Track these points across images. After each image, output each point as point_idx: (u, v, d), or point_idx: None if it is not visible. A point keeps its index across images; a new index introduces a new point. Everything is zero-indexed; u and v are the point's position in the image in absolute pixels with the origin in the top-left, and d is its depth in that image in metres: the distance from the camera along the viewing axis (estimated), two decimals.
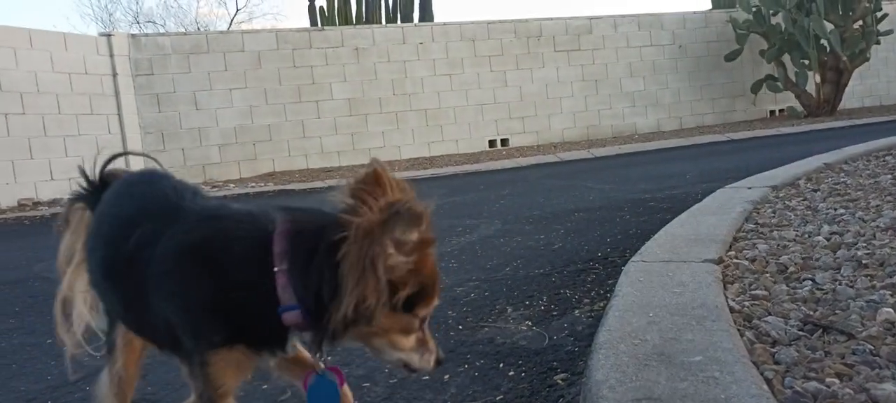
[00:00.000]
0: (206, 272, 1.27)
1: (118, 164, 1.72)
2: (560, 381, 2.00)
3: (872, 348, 1.69)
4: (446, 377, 2.11)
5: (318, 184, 10.13)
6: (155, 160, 1.75)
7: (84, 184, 1.65)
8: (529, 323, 2.57)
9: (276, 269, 1.24)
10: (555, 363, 2.14)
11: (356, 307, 1.19)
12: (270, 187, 10.12)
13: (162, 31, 27.29)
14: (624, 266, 2.73)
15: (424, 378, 2.13)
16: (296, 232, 1.26)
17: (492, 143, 13.64)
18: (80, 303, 1.66)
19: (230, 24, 30.98)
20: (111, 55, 10.99)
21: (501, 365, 2.16)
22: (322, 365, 1.39)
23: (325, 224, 1.23)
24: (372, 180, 1.27)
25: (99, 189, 1.62)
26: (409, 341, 1.31)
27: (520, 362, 2.18)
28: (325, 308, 1.22)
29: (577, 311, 2.66)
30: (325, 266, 1.20)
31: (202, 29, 29.07)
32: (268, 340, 1.33)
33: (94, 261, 1.45)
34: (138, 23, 30.05)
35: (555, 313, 2.67)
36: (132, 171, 1.64)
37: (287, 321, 1.27)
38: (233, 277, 1.27)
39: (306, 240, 1.24)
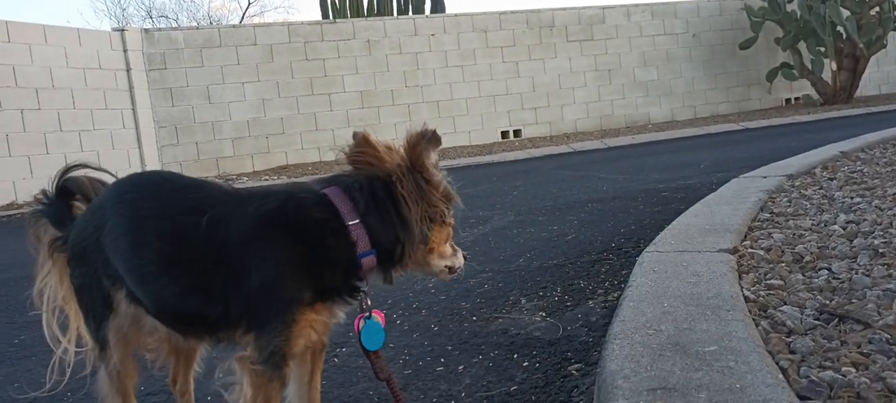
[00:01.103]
0: (291, 234, 1.43)
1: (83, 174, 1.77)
2: (574, 372, 2.00)
3: (889, 337, 1.68)
4: (461, 368, 2.12)
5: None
6: (109, 172, 1.80)
7: (43, 199, 1.73)
8: (543, 314, 2.57)
9: (350, 223, 1.43)
10: (569, 353, 2.14)
11: (421, 229, 1.48)
12: (284, 180, 10.16)
13: (174, 25, 27.42)
14: (638, 256, 2.72)
15: (438, 369, 2.14)
16: (350, 191, 1.46)
17: (504, 134, 13.62)
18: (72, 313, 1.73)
19: (242, 18, 31.07)
20: (124, 50, 11.05)
21: (516, 356, 2.17)
22: (369, 309, 1.56)
23: (367, 179, 1.49)
24: (363, 142, 1.55)
25: (58, 202, 1.71)
26: (448, 248, 1.59)
27: (534, 352, 2.18)
28: (394, 244, 1.47)
29: (590, 302, 2.66)
30: (392, 208, 1.46)
31: (214, 23, 29.17)
32: (344, 290, 1.49)
33: (143, 258, 1.49)
34: (151, 17, 30.21)
35: (569, 304, 2.67)
36: (134, 174, 1.66)
37: (366, 265, 1.47)
38: (315, 235, 1.44)
39: (364, 195, 1.46)
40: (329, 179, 1.52)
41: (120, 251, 1.51)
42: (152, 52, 11.47)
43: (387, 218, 1.46)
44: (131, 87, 11.09)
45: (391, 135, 10.08)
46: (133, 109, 11.10)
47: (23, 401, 2.22)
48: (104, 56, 10.74)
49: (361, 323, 1.56)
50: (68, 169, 1.75)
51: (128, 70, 11.07)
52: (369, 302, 1.54)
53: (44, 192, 1.74)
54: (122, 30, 11.34)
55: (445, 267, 1.59)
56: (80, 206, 1.73)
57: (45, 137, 9.75)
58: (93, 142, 10.33)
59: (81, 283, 1.61)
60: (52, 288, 1.70)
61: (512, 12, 13.60)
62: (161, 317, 1.54)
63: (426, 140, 1.51)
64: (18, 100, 9.48)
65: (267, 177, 10.67)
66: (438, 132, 1.56)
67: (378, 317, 1.57)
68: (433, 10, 15.04)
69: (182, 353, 1.76)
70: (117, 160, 10.57)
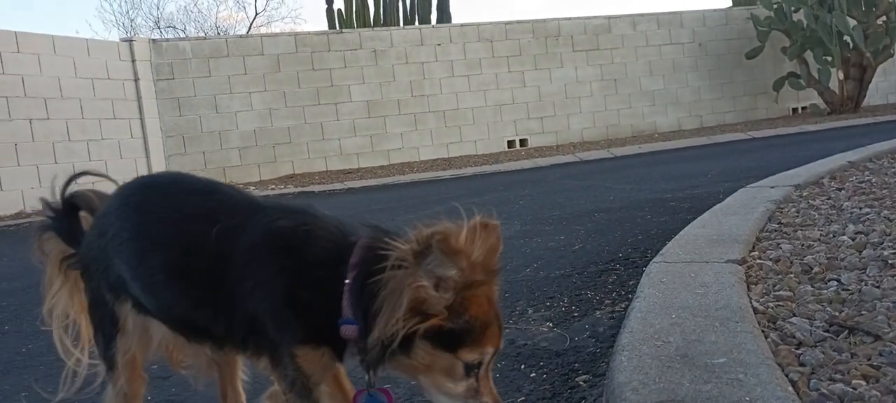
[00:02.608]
0: (284, 263, 1.32)
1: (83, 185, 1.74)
2: (582, 383, 1.99)
3: None
4: None
5: (338, 185, 10.17)
6: (112, 179, 1.76)
7: (49, 213, 1.68)
8: (550, 325, 2.56)
9: (346, 281, 1.28)
10: (576, 364, 2.13)
11: (385, 331, 1.22)
12: (290, 189, 10.18)
13: (182, 35, 27.58)
14: (645, 267, 2.71)
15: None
16: (368, 249, 1.28)
17: (511, 144, 13.62)
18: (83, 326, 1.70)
19: (249, 28, 31.21)
20: (133, 60, 11.12)
21: (523, 367, 2.16)
22: (372, 385, 1.40)
23: (392, 248, 1.25)
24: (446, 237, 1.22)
25: (66, 217, 1.67)
26: (457, 386, 1.28)
27: (541, 363, 2.17)
28: (365, 328, 1.27)
29: (598, 312, 2.65)
30: (374, 287, 1.24)
31: (222, 33, 29.30)
32: (333, 345, 1.34)
33: (151, 266, 1.44)
34: (159, 28, 30.36)
35: (576, 314, 2.66)
36: (141, 177, 1.63)
37: (344, 333, 1.30)
38: (305, 275, 1.32)
39: (372, 259, 1.26)
40: (376, 231, 1.33)
41: (125, 257, 1.47)
42: (160, 62, 11.54)
43: (364, 295, 1.26)
44: (139, 97, 11.15)
45: (397, 144, 10.12)
46: (141, 119, 11.16)
47: None
48: (112, 66, 10.81)
49: (361, 397, 1.40)
50: (72, 178, 1.72)
51: (136, 80, 11.13)
52: (373, 377, 1.35)
53: (47, 203, 1.69)
54: (131, 40, 11.41)
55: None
56: (88, 220, 1.69)
57: (53, 147, 9.80)
58: (101, 151, 10.38)
59: (91, 299, 1.58)
60: (63, 306, 1.66)
61: (518, 22, 13.63)
62: (169, 324, 1.51)
63: (431, 248, 1.19)
64: (27, 110, 9.54)
65: (273, 187, 10.70)
66: (472, 252, 1.23)
67: (383, 396, 1.39)
68: (439, 20, 15.08)
69: (223, 363, 1.69)
70: (125, 169, 10.62)
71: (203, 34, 28.65)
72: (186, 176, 1.57)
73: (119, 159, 10.66)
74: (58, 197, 1.69)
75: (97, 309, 1.56)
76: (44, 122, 9.72)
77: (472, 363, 1.27)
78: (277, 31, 28.72)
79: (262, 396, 1.44)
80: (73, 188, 1.72)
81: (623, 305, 2.66)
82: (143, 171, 11.05)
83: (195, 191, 1.48)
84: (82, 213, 1.70)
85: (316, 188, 10.14)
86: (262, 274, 1.32)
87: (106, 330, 1.55)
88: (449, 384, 1.28)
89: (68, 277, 1.65)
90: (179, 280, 1.43)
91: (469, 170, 10.53)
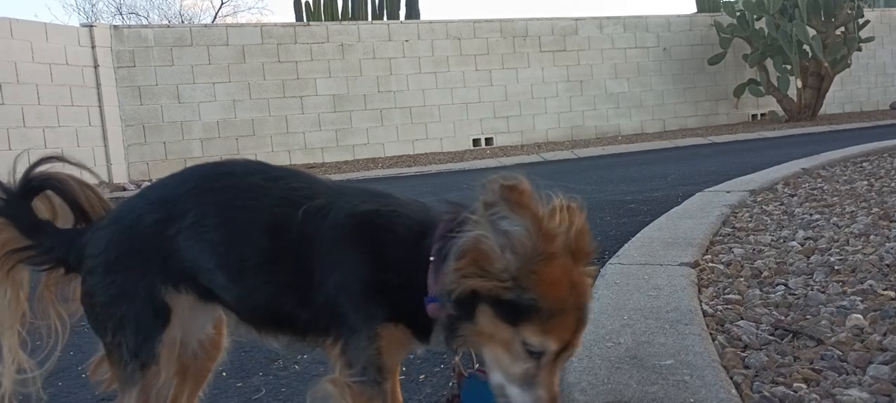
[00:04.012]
0: (367, 245, 1.29)
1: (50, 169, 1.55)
2: None
3: (841, 353, 1.72)
4: (422, 377, 2.12)
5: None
6: (89, 168, 1.63)
7: (3, 195, 1.48)
8: None
9: (431, 258, 1.25)
10: None
11: (444, 283, 1.19)
12: None
13: (145, 22, 27.05)
14: (602, 268, 2.75)
15: (399, 378, 2.13)
16: (451, 222, 1.25)
17: (476, 142, 13.66)
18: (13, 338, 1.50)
19: (214, 18, 30.74)
20: (93, 46, 10.87)
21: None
22: (457, 368, 1.39)
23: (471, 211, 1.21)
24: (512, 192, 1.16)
25: (23, 202, 1.48)
26: (514, 366, 1.19)
27: None
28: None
29: None
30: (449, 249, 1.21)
31: (186, 21, 28.82)
32: (418, 326, 1.31)
33: (242, 252, 1.38)
34: (121, 14, 29.70)
35: None
36: (210, 164, 1.52)
37: (430, 311, 1.26)
38: (390, 254, 1.29)
39: (454, 229, 1.22)
40: (457, 205, 1.30)
41: (209, 244, 1.37)
42: (121, 49, 11.30)
43: (442, 267, 1.22)
44: (98, 85, 10.90)
45: (362, 139, 10.04)
46: (100, 107, 10.91)
47: None
48: (71, 52, 10.55)
49: (464, 380, 1.38)
50: (43, 160, 1.52)
51: (95, 67, 10.88)
52: (456, 354, 1.32)
53: (0, 185, 1.48)
54: (91, 26, 11.15)
55: (498, 382, 1.23)
56: (53, 208, 1.52)
57: (7, 133, 9.53)
58: (57, 138, 10.13)
59: (119, 292, 1.39)
60: (5, 306, 1.46)
61: (486, 21, 13.66)
62: (250, 317, 1.43)
63: (500, 198, 1.13)
64: None
65: None
66: (542, 213, 1.18)
67: (486, 378, 1.30)
68: (408, 16, 15.04)
69: (189, 375, 1.59)
70: (82, 157, 10.16)
71: (167, 22, 28.13)
72: (260, 162, 1.52)
73: (76, 147, 10.41)
74: (21, 181, 1.48)
75: (125, 304, 1.39)
76: None
77: (534, 348, 1.17)
78: (243, 21, 28.39)
79: (323, 380, 1.34)
80: (43, 169, 1.52)
81: None
82: (101, 160, 10.83)
83: (276, 177, 1.43)
84: (51, 196, 1.52)
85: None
86: (346, 256, 1.30)
87: (145, 324, 1.38)
88: (507, 360, 1.19)
89: (18, 273, 1.47)
90: (269, 264, 1.36)
91: (434, 168, 10.53)
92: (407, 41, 13.11)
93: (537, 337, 1.16)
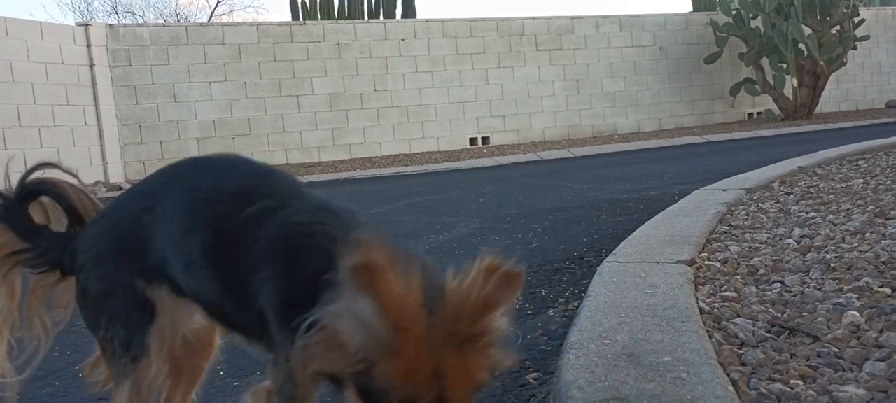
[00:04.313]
0: (285, 263, 1.23)
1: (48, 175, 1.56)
2: (532, 380, 2.01)
3: (837, 350, 1.72)
4: None
5: (298, 179, 10.08)
6: (76, 176, 1.62)
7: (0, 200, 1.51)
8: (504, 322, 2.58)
9: None
10: (527, 362, 2.15)
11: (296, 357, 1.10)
12: None
13: (141, 21, 26.99)
14: (599, 266, 2.75)
15: None
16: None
17: (473, 141, 13.66)
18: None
19: (210, 16, 30.71)
20: (88, 45, 10.84)
21: None
22: None
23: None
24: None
25: (19, 206, 1.50)
26: None
27: None
28: None
29: (551, 311, 2.67)
30: None
31: (182, 20, 28.78)
32: None
33: (191, 244, 1.34)
34: (117, 13, 29.65)
35: (529, 312, 2.68)
36: (193, 157, 1.52)
37: None
38: (299, 279, 1.19)
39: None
40: (368, 233, 1.19)
41: (171, 232, 1.36)
42: (117, 48, 11.28)
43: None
44: (94, 84, 10.88)
45: (359, 138, 10.06)
46: (96, 106, 10.89)
47: None
48: (67, 51, 10.52)
49: None
50: (37, 167, 1.55)
51: (91, 66, 10.86)
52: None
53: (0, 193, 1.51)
54: (87, 25, 11.13)
55: None
56: (46, 212, 1.55)
57: (3, 132, 9.51)
58: (53, 138, 10.10)
59: (107, 286, 1.40)
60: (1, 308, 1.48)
61: (482, 20, 13.67)
62: (207, 313, 1.41)
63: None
64: None
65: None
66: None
67: None
68: (404, 15, 15.04)
69: (185, 374, 1.58)
70: (78, 157, 10.36)
71: (162, 21, 28.09)
72: (242, 158, 1.47)
73: (72, 147, 10.39)
74: (18, 186, 1.51)
75: (118, 296, 1.39)
76: None
77: None
78: (239, 20, 28.35)
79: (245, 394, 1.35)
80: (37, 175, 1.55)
81: (576, 303, 2.69)
82: (97, 159, 10.80)
83: (247, 173, 1.39)
84: (45, 201, 1.54)
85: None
86: (270, 271, 1.24)
87: (134, 317, 1.38)
88: None
89: (13, 275, 1.49)
90: (211, 262, 1.32)
91: (430, 167, 10.53)
92: (403, 40, 13.10)
93: None
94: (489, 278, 1.01)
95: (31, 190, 1.52)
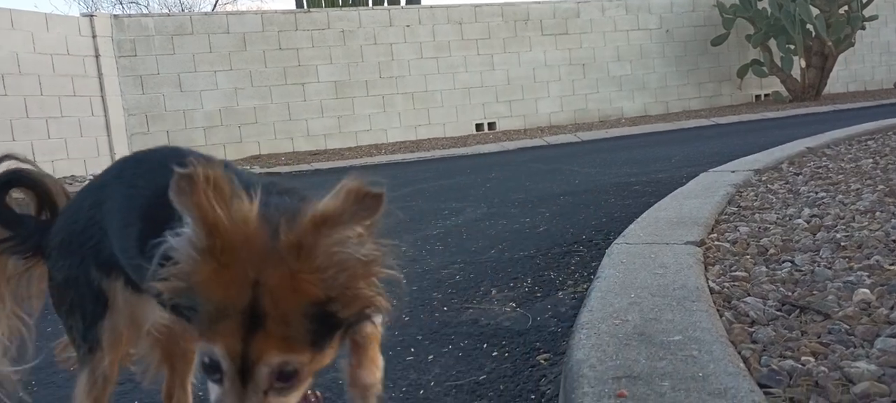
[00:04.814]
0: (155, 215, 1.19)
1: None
2: (542, 361, 2.02)
3: (848, 328, 1.72)
4: (430, 357, 2.13)
5: (305, 167, 10.09)
6: (35, 166, 1.64)
7: None
8: (513, 305, 2.59)
9: None
10: (538, 343, 2.16)
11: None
12: (256, 170, 10.08)
13: (145, 11, 26.94)
14: (607, 248, 2.75)
15: (408, 358, 2.14)
16: None
17: (479, 127, 13.63)
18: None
19: (215, 6, 30.62)
20: (93, 36, 10.85)
21: (485, 346, 2.18)
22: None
23: None
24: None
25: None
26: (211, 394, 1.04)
27: (503, 342, 2.20)
28: None
29: (560, 293, 2.68)
30: None
31: (186, 10, 28.73)
32: None
33: (129, 238, 1.33)
34: (121, 3, 29.57)
35: (539, 295, 2.69)
36: (144, 150, 1.52)
37: None
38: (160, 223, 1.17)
39: None
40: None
41: (114, 228, 1.38)
42: (122, 38, 11.28)
43: None
44: (100, 74, 10.89)
45: (365, 126, 10.01)
46: (102, 97, 10.91)
47: None
48: (72, 42, 10.53)
49: None
50: (4, 158, 1.60)
51: (97, 57, 10.87)
52: None
53: None
54: (91, 15, 11.13)
55: None
56: (20, 201, 1.59)
57: (11, 124, 9.54)
58: (61, 129, 10.13)
59: (67, 276, 1.43)
60: None
61: (487, 5, 13.60)
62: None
63: None
64: None
65: (239, 167, 10.57)
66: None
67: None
68: (409, 2, 14.97)
69: (177, 360, 1.60)
70: (86, 147, 10.40)
71: (167, 10, 28.07)
72: (184, 150, 1.43)
73: (79, 137, 10.42)
74: None
75: (77, 287, 1.42)
76: (1, 99, 9.45)
77: (204, 359, 1.01)
78: (243, 8, 28.31)
79: None
80: (8, 165, 1.60)
81: (585, 286, 2.70)
82: (105, 149, 10.84)
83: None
84: (20, 193, 1.59)
85: (283, 169, 10.05)
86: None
87: (88, 309, 1.41)
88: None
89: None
90: (143, 255, 1.30)
91: (437, 153, 10.52)
92: (408, 26, 13.06)
93: (203, 344, 1.01)
94: (346, 198, 0.96)
95: (7, 179, 1.56)
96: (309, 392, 1.10)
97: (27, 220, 1.58)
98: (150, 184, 1.35)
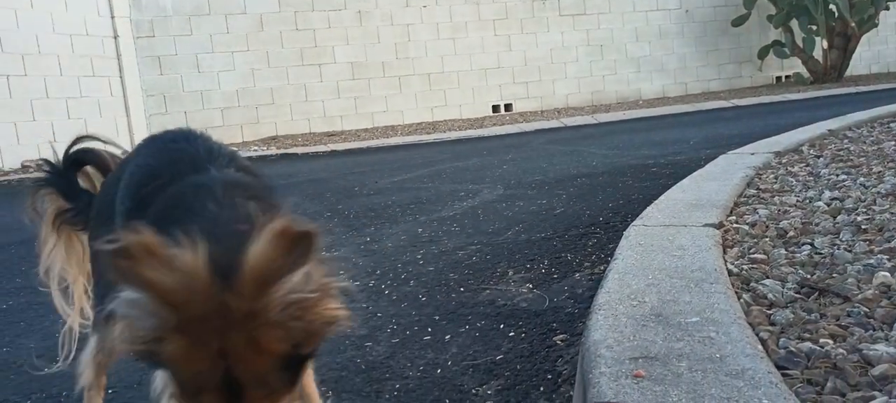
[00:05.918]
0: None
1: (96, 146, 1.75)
2: (559, 342, 2.03)
3: (867, 310, 1.71)
4: (447, 337, 2.14)
5: (321, 147, 10.12)
6: (116, 144, 1.78)
7: (47, 168, 1.70)
8: (530, 286, 2.59)
9: None
10: (554, 324, 2.17)
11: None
12: (273, 151, 10.12)
13: None
14: (625, 230, 2.75)
15: (425, 338, 2.16)
16: None
17: (495, 108, 13.58)
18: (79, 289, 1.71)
19: None
20: (112, 16, 10.90)
21: (502, 326, 2.20)
22: None
23: None
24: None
25: (67, 173, 1.68)
26: None
27: (520, 323, 2.21)
28: None
29: (577, 274, 2.68)
30: None
31: None
32: None
33: (120, 215, 1.36)
34: None
35: (555, 276, 2.70)
36: (169, 130, 1.53)
37: None
38: None
39: None
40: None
41: (122, 203, 1.38)
42: (140, 19, 11.33)
43: None
44: (119, 55, 10.96)
45: (381, 107, 9.99)
46: (120, 77, 10.99)
47: (9, 367, 2.23)
48: (91, 22, 10.60)
49: None
50: (81, 138, 1.74)
51: (115, 37, 10.94)
52: None
53: (46, 161, 1.69)
54: None
55: None
56: (90, 179, 1.72)
57: (31, 104, 9.64)
58: (80, 109, 10.23)
59: (94, 248, 1.53)
60: (60, 263, 1.65)
61: None
62: None
63: None
64: (4, 66, 9.34)
65: (256, 148, 10.63)
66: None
67: None
68: None
69: None
70: (104, 128, 10.49)
71: None
72: (195, 133, 1.46)
73: (99, 118, 10.51)
74: (64, 156, 1.70)
75: (99, 259, 1.47)
76: (21, 79, 9.54)
77: None
78: None
79: None
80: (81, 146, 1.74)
81: (602, 267, 2.70)
82: (123, 130, 10.93)
83: (176, 149, 1.38)
84: (89, 170, 1.72)
85: (299, 150, 10.09)
86: None
87: (108, 281, 1.37)
88: None
89: (61, 235, 1.65)
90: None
91: (453, 134, 10.51)
92: (425, 7, 13.00)
93: None
94: (277, 244, 0.91)
95: (75, 158, 1.70)
96: None
97: (86, 195, 1.69)
98: (145, 166, 1.38)
